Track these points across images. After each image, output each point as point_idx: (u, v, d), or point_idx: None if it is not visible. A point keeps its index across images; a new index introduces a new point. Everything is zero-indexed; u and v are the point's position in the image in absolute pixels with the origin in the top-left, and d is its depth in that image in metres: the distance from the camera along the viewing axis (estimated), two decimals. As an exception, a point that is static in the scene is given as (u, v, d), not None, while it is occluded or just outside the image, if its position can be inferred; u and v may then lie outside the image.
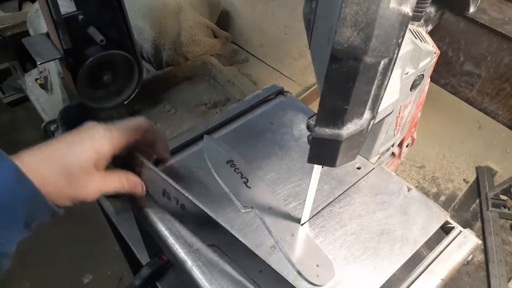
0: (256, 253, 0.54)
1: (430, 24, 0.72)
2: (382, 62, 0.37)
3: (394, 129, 0.76)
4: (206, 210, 0.55)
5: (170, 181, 0.57)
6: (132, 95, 1.14)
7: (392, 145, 0.83)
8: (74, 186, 0.46)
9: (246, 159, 0.72)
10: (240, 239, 0.54)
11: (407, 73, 0.63)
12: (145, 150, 0.58)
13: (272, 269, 0.53)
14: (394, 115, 0.71)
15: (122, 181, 0.53)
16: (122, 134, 0.50)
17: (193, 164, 0.70)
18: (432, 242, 0.64)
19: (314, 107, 0.93)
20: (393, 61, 0.39)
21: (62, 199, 0.46)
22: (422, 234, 0.63)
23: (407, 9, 0.34)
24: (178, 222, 0.60)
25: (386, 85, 0.41)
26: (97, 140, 0.48)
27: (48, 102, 1.32)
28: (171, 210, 0.60)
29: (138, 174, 0.58)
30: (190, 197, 0.56)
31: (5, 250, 0.43)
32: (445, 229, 0.66)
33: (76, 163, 0.45)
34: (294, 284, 0.53)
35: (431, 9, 0.71)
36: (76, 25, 0.95)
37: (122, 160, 0.57)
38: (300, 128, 0.79)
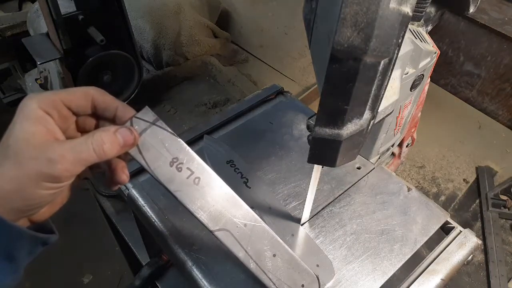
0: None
1: (430, 24, 0.72)
2: (382, 62, 0.37)
3: (394, 129, 0.76)
4: (228, 187, 0.49)
5: (189, 149, 0.47)
6: (132, 95, 1.14)
7: (392, 145, 0.83)
8: (34, 161, 0.39)
9: (246, 159, 0.72)
10: (261, 220, 0.50)
11: (407, 73, 0.63)
12: (109, 120, 0.48)
13: (288, 250, 0.51)
14: (394, 115, 0.71)
15: (97, 139, 0.42)
16: (58, 92, 0.43)
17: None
18: (432, 242, 0.64)
19: (314, 107, 0.93)
20: (393, 61, 0.39)
21: (36, 190, 0.39)
22: (422, 234, 0.63)
23: (407, 9, 0.34)
24: (178, 200, 0.49)
25: (386, 85, 0.41)
26: (28, 108, 0.41)
27: (48, 102, 1.32)
28: (175, 184, 0.48)
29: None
30: (212, 169, 0.49)
31: None
32: (445, 229, 0.66)
33: (19, 142, 0.39)
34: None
35: (431, 9, 0.71)
36: (76, 25, 0.95)
37: None
38: (300, 128, 0.79)
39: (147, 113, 0.46)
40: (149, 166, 0.46)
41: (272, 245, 0.51)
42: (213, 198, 0.49)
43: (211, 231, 0.49)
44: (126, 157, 0.47)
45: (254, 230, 0.50)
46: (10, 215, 0.39)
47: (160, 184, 0.47)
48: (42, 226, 0.44)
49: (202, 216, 0.48)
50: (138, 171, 0.69)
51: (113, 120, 0.46)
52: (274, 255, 0.51)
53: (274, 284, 0.50)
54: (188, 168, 0.48)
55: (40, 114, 0.41)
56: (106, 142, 0.42)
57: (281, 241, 0.51)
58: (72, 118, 0.45)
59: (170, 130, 0.47)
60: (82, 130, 0.47)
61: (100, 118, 0.47)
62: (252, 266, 0.49)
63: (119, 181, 0.47)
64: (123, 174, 0.47)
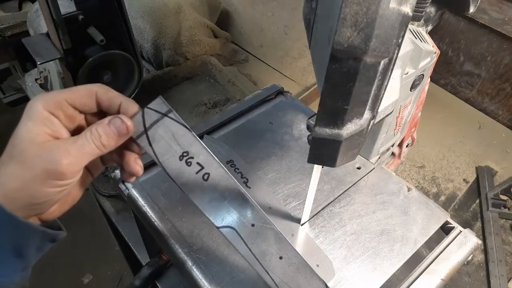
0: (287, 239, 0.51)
1: (430, 24, 0.72)
2: (382, 62, 0.37)
3: (394, 129, 0.76)
4: (238, 184, 0.48)
5: (200, 143, 0.46)
6: (132, 95, 1.14)
7: (392, 145, 0.83)
8: (39, 159, 0.39)
9: (246, 159, 0.72)
10: (271, 221, 0.50)
11: (407, 73, 0.63)
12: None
13: (298, 254, 0.51)
14: (394, 115, 0.71)
15: (94, 133, 0.43)
16: (62, 92, 0.44)
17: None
18: (432, 242, 0.64)
19: (314, 107, 0.93)
20: (393, 61, 0.39)
21: (42, 188, 0.40)
22: (422, 234, 0.63)
23: (407, 9, 0.34)
24: (186, 194, 0.48)
25: (386, 85, 0.41)
26: (33, 109, 0.41)
27: (48, 102, 1.32)
28: (183, 179, 0.47)
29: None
30: (223, 166, 0.47)
31: None
32: (445, 229, 0.66)
33: (23, 142, 0.40)
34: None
35: (431, 9, 0.71)
36: (76, 25, 0.95)
37: None
38: (300, 128, 0.79)
39: (160, 104, 0.45)
40: (158, 158, 0.46)
41: (280, 248, 0.50)
42: (221, 196, 0.48)
43: (216, 227, 0.48)
44: (140, 150, 0.47)
45: (262, 231, 0.50)
46: (20, 212, 0.40)
47: (169, 177, 0.46)
48: (50, 224, 0.45)
49: (209, 212, 0.48)
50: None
51: None
52: (281, 258, 0.50)
53: (277, 285, 0.50)
54: (198, 163, 0.46)
55: (45, 115, 0.41)
56: (102, 135, 0.42)
57: (291, 245, 0.51)
58: (79, 117, 0.45)
59: (183, 122, 0.46)
60: None
61: (107, 114, 0.46)
62: (255, 265, 0.49)
63: (132, 172, 0.47)
64: (137, 165, 0.47)
